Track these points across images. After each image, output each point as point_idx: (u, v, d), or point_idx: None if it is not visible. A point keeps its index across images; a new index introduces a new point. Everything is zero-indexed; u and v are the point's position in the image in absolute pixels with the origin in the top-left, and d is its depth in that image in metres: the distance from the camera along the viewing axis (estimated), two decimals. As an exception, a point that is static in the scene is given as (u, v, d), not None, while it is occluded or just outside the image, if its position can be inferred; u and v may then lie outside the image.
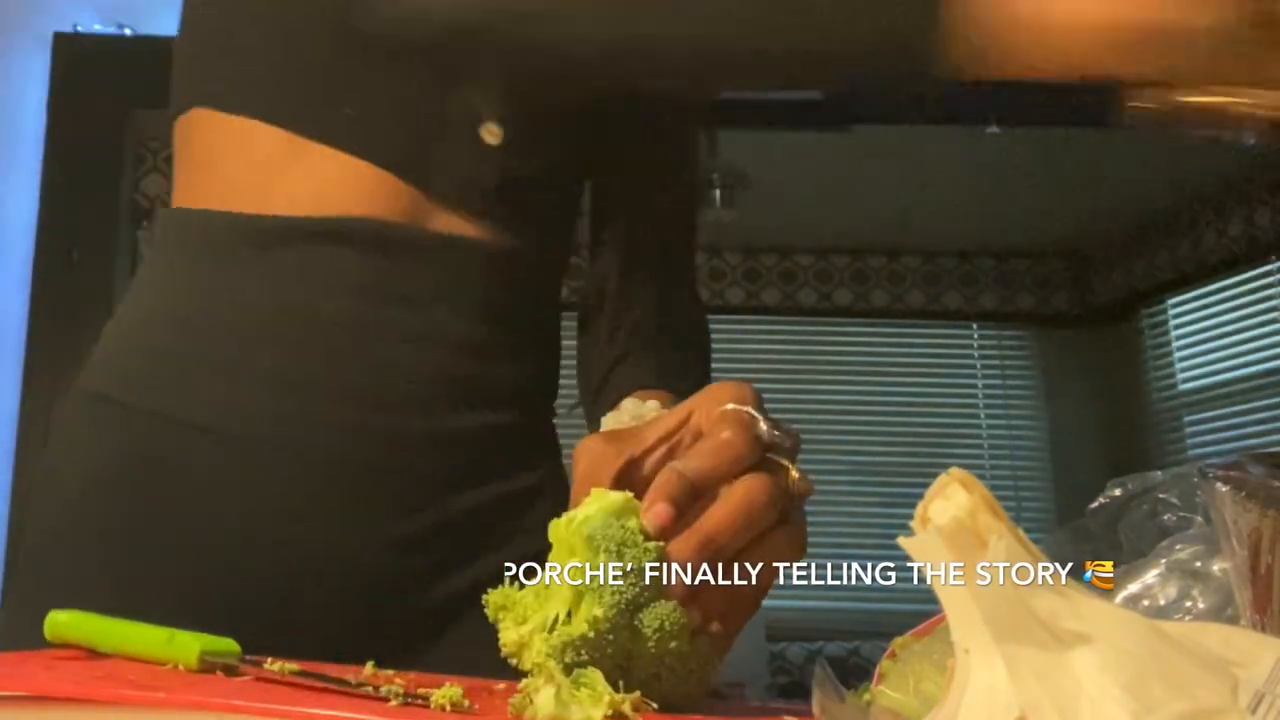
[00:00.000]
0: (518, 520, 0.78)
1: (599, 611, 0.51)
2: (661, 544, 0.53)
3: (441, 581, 0.76)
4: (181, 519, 0.73)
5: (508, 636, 0.53)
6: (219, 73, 0.79)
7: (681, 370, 0.81)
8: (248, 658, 0.52)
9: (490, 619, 0.54)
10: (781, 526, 0.58)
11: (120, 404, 0.75)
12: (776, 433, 0.61)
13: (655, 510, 0.54)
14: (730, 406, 0.61)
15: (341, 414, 0.74)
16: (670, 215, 0.93)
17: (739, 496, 0.57)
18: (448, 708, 0.46)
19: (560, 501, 0.63)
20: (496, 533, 0.77)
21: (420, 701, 0.46)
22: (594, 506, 0.54)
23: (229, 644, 0.54)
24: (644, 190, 0.92)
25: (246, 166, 0.76)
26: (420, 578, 0.76)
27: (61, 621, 0.58)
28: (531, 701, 0.46)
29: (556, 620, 0.52)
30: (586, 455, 0.62)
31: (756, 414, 0.61)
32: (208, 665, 0.52)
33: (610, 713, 0.47)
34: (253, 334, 0.74)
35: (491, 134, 0.77)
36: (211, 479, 0.73)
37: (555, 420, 0.87)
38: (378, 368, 0.74)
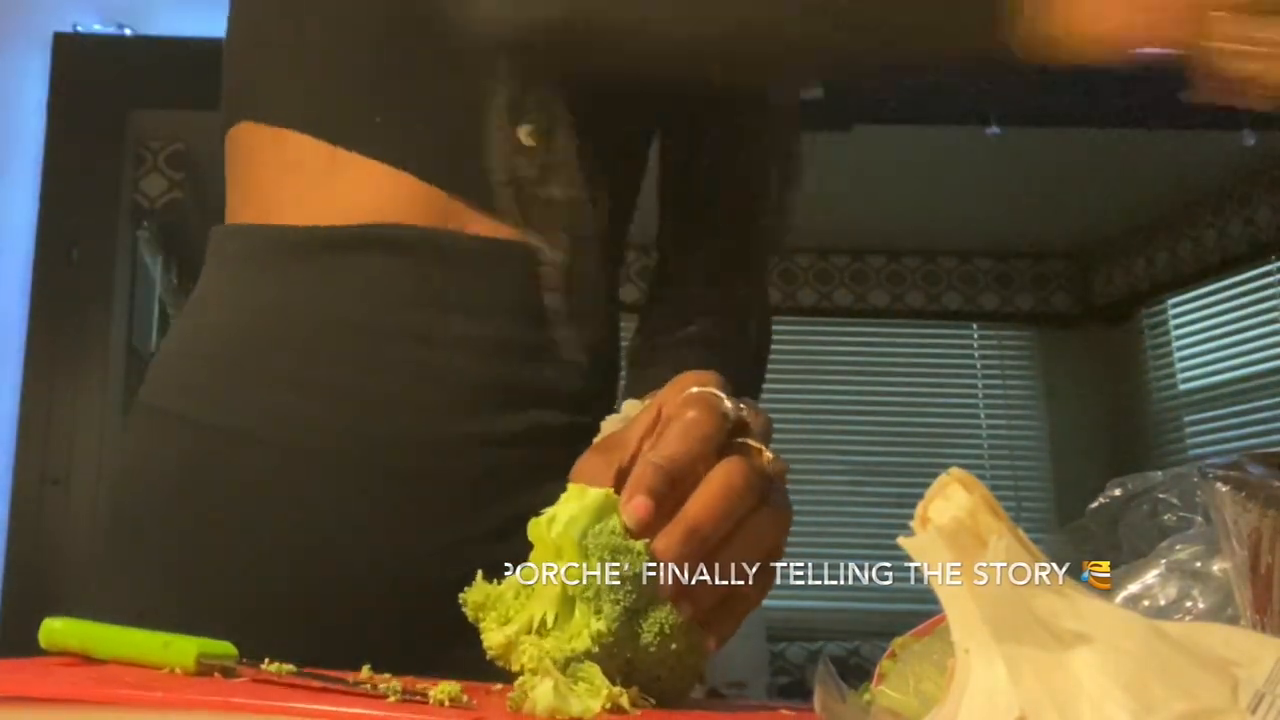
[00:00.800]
0: None
1: (601, 626, 0.51)
2: (648, 541, 0.53)
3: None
4: (236, 528, 0.74)
5: (492, 638, 0.53)
6: (259, 86, 0.80)
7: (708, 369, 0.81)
8: (245, 660, 0.52)
9: (470, 618, 0.54)
10: (762, 509, 0.59)
11: (175, 415, 0.76)
12: (742, 408, 0.61)
13: (634, 505, 0.54)
14: (694, 390, 0.61)
15: (387, 420, 0.74)
16: (740, 186, 0.89)
17: (717, 482, 0.57)
18: (446, 703, 0.46)
19: None
20: None
21: (419, 698, 0.46)
22: (574, 505, 0.54)
23: (226, 647, 0.54)
24: (712, 152, 0.88)
25: (286, 179, 0.77)
26: (464, 584, 0.76)
27: (56, 629, 0.57)
28: (528, 695, 0.46)
29: (544, 622, 0.52)
30: (581, 476, 0.62)
31: (720, 393, 0.61)
32: (205, 668, 0.52)
33: (609, 706, 0.47)
34: (298, 344, 0.75)
35: (528, 135, 0.77)
36: (263, 488, 0.73)
37: None
38: (421, 373, 0.74)
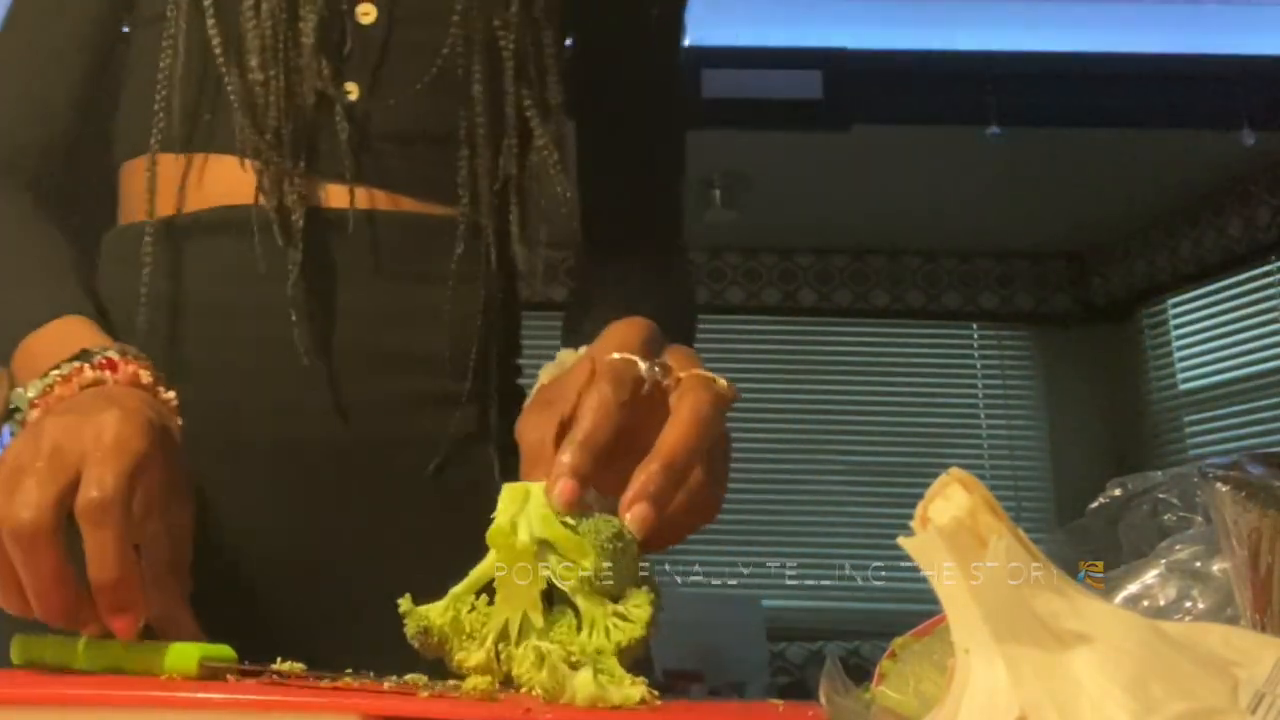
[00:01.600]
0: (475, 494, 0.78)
1: (648, 613, 0.51)
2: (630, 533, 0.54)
3: (405, 563, 0.75)
4: None
5: (473, 659, 0.52)
6: (119, 130, 0.85)
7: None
8: (247, 664, 0.52)
9: (431, 651, 0.54)
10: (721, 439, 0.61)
11: None
12: (658, 369, 0.62)
13: (560, 487, 0.55)
14: (615, 356, 0.62)
15: (248, 395, 0.76)
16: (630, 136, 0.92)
17: (687, 413, 0.59)
18: (483, 695, 0.46)
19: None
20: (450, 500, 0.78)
21: (451, 691, 0.46)
22: (533, 503, 0.54)
23: (225, 650, 0.53)
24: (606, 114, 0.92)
25: (139, 194, 0.80)
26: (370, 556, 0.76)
27: (31, 644, 0.56)
28: (567, 686, 0.47)
29: (525, 624, 0.52)
30: (527, 430, 0.62)
31: (635, 356, 0.62)
32: (209, 671, 0.51)
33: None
34: (162, 330, 0.77)
35: (351, 91, 0.78)
36: None
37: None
38: (276, 346, 0.75)
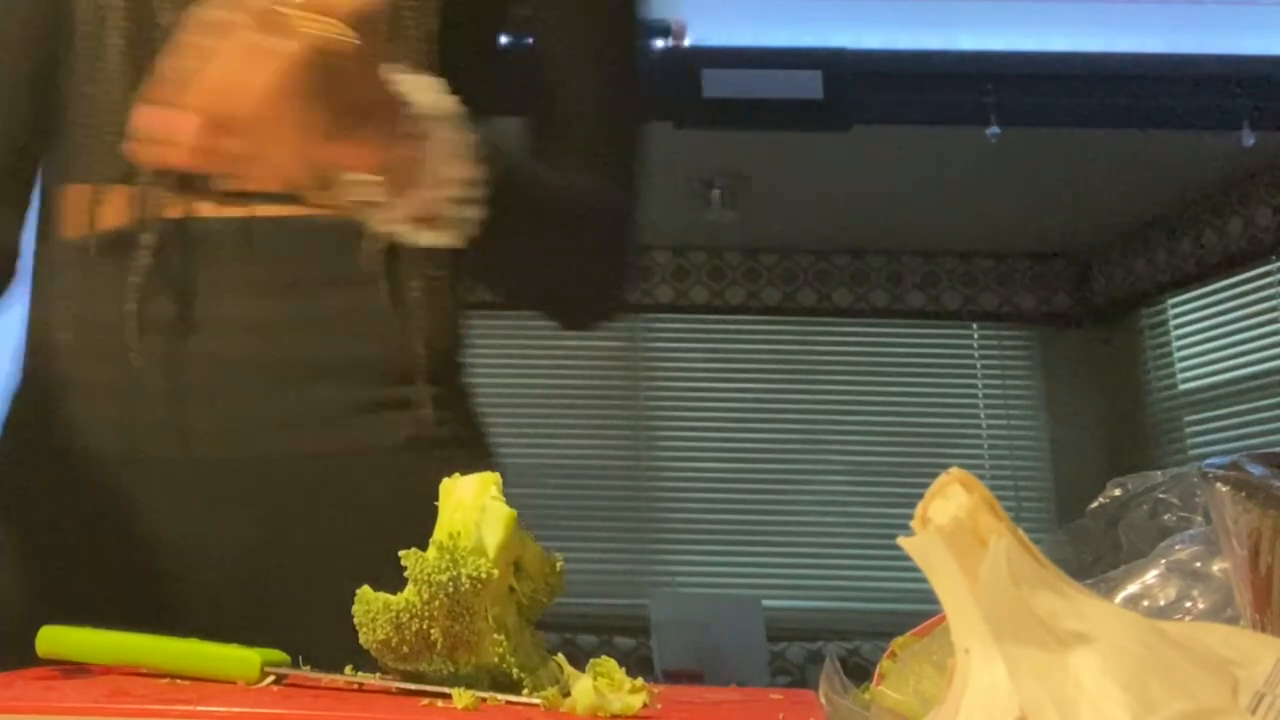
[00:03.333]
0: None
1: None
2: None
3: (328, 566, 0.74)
4: (52, 528, 0.78)
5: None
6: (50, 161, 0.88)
7: None
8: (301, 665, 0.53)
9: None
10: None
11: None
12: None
13: None
14: None
15: (149, 411, 0.76)
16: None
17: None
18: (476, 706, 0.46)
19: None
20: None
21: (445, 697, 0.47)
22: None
23: (279, 655, 0.54)
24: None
25: (65, 218, 0.82)
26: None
27: (55, 637, 0.56)
28: (568, 695, 0.47)
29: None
30: None
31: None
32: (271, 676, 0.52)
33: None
34: (64, 349, 0.80)
35: None
36: (71, 489, 0.78)
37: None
38: (175, 360, 0.76)
